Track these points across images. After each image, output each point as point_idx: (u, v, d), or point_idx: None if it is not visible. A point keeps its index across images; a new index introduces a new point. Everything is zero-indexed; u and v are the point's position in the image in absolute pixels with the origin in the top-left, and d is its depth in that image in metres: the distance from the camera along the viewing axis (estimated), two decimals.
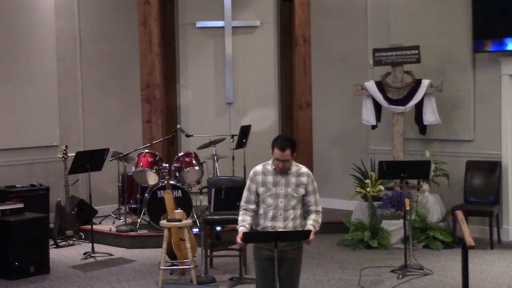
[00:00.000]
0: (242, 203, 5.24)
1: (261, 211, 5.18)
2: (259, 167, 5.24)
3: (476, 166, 8.91)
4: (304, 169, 5.23)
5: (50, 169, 9.57)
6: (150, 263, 8.06)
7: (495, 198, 8.75)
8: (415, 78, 8.88)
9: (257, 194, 5.18)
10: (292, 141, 5.16)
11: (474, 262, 7.70)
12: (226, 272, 7.65)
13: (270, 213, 5.13)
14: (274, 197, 5.13)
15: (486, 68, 8.90)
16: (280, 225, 5.11)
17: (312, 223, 5.14)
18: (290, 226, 5.13)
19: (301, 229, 5.15)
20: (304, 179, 5.17)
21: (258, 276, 5.27)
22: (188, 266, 7.21)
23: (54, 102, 9.69)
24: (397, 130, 9.03)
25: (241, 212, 5.22)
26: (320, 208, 5.25)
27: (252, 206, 5.20)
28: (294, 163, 5.20)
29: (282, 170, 5.12)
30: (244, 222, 5.15)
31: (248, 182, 5.26)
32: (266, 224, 5.15)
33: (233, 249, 7.93)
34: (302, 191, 5.16)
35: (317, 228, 5.16)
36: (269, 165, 5.20)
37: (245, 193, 5.25)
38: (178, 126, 9.95)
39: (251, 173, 5.26)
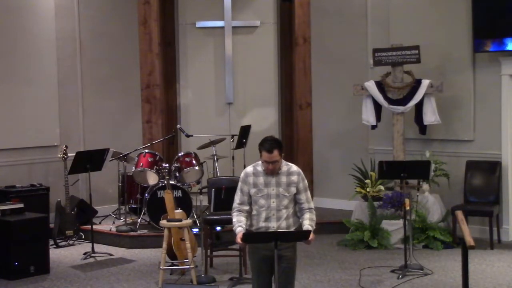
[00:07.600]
0: (236, 204, 5.24)
1: (254, 212, 5.20)
2: (249, 168, 5.26)
3: (476, 166, 8.91)
4: (294, 167, 5.24)
5: (50, 169, 9.57)
6: (150, 263, 8.06)
7: (495, 198, 8.75)
8: (415, 78, 8.88)
9: (250, 196, 5.19)
10: (278, 142, 5.17)
11: (474, 262, 7.70)
12: (226, 272, 7.65)
13: (263, 214, 5.15)
14: (266, 197, 5.14)
15: (486, 68, 8.90)
16: (273, 225, 5.13)
17: (309, 223, 5.15)
18: (283, 225, 5.15)
19: (295, 228, 5.19)
20: (294, 178, 5.18)
21: (254, 276, 5.28)
22: (188, 266, 7.21)
23: (54, 102, 9.69)
24: (397, 130, 9.03)
25: (234, 214, 5.23)
26: (312, 205, 5.26)
27: (246, 207, 5.21)
28: (284, 162, 5.20)
29: (273, 171, 5.13)
30: (240, 222, 5.15)
31: (239, 184, 5.27)
32: (260, 225, 5.17)
33: (233, 249, 7.92)
34: (293, 190, 5.17)
35: (314, 227, 5.18)
36: (260, 166, 5.21)
37: (238, 195, 5.26)
38: (178, 126, 9.95)
39: (242, 174, 5.27)
